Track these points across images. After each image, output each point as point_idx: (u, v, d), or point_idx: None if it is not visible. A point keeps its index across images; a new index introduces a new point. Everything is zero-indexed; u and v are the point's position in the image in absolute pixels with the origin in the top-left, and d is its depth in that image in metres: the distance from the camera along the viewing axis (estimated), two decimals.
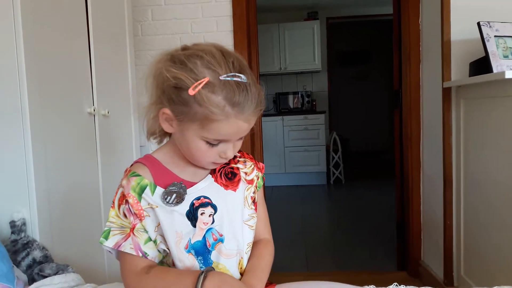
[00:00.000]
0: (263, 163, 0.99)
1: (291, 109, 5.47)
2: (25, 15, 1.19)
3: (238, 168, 0.90)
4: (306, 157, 5.13)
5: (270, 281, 0.94)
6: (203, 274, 0.75)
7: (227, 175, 0.88)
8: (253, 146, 2.34)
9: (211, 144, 0.77)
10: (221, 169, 0.88)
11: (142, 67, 2.15)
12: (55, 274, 1.18)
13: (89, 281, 1.22)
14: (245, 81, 0.73)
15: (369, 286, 0.87)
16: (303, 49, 5.37)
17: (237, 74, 0.73)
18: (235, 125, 0.74)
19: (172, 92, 0.75)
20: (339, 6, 5.50)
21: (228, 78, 0.72)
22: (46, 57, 1.32)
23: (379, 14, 5.49)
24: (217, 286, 0.74)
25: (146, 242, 0.80)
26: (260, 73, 2.63)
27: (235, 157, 0.91)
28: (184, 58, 0.75)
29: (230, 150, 0.79)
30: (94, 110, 1.57)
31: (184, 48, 0.78)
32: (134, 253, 0.79)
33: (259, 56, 2.56)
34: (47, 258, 1.23)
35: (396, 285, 0.89)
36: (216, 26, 2.19)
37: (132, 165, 0.86)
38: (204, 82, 0.71)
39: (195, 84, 0.71)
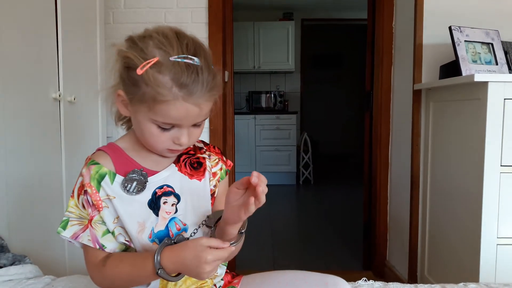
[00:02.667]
0: (234, 160, 0.96)
1: (264, 108, 5.47)
2: None
3: (204, 158, 0.88)
4: (277, 156, 5.15)
5: (237, 273, 0.92)
6: (161, 273, 0.72)
7: (193, 165, 0.86)
8: (225, 142, 2.31)
9: (162, 128, 0.74)
10: (186, 159, 0.86)
11: (110, 56, 2.08)
12: (11, 264, 1.12)
13: (48, 273, 1.17)
14: (197, 63, 0.71)
15: (334, 276, 0.86)
16: (277, 49, 5.39)
17: (189, 56, 0.70)
18: (184, 108, 0.71)
19: (124, 72, 0.74)
20: (314, 8, 5.54)
21: (179, 60, 0.70)
22: (10, 39, 1.25)
23: (354, 18, 5.57)
24: (176, 270, 0.73)
25: (104, 234, 0.78)
26: (234, 70, 2.60)
27: (201, 148, 0.90)
28: (137, 39, 0.74)
29: (184, 136, 0.76)
30: (59, 96, 1.50)
31: (145, 31, 0.76)
32: (92, 245, 0.78)
33: (233, 53, 2.54)
34: (2, 248, 1.16)
35: (365, 280, 0.90)
36: (190, 17, 2.15)
37: (94, 153, 0.83)
38: (152, 62, 0.69)
39: (144, 64, 0.69)
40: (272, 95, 5.48)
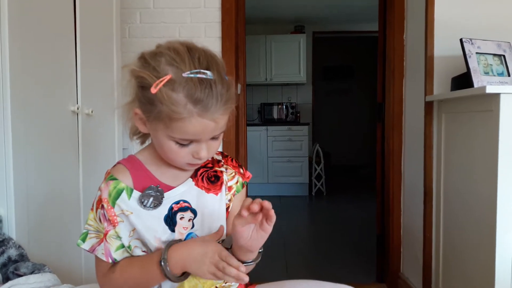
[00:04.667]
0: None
1: (276, 119, 5.50)
2: (12, 12, 1.18)
3: (222, 172, 0.88)
4: (289, 168, 5.15)
5: (250, 282, 0.93)
6: (163, 261, 0.74)
7: (210, 179, 0.86)
8: (237, 154, 2.34)
9: (181, 144, 0.75)
10: (204, 173, 0.86)
11: (126, 71, 2.13)
12: (31, 273, 1.14)
13: (65, 282, 1.19)
14: (210, 77, 0.71)
15: (346, 285, 0.87)
16: (288, 62, 5.43)
17: (201, 70, 0.70)
18: (200, 124, 0.71)
19: (139, 91, 0.74)
20: (325, 21, 5.59)
21: (192, 75, 0.70)
22: (31, 53, 1.30)
23: (364, 30, 5.60)
24: (181, 266, 0.75)
25: (117, 249, 0.80)
26: (246, 83, 2.64)
27: (219, 161, 0.90)
28: (149, 56, 0.74)
29: (203, 151, 0.76)
30: (78, 109, 1.55)
31: (157, 47, 0.77)
32: (105, 259, 0.80)
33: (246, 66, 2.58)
34: (22, 257, 1.19)
35: None
36: (204, 32, 2.20)
37: (114, 166, 0.85)
38: (165, 80, 0.70)
39: (157, 82, 0.70)
40: (284, 106, 5.51)
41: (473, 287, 1.58)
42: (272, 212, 0.70)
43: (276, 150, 5.17)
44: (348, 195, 5.33)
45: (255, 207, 0.69)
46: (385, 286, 2.38)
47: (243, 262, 0.75)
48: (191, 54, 0.73)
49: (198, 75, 0.70)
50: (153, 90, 0.69)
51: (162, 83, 0.69)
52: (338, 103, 7.29)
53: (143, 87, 0.73)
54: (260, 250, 0.79)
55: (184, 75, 0.70)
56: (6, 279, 1.13)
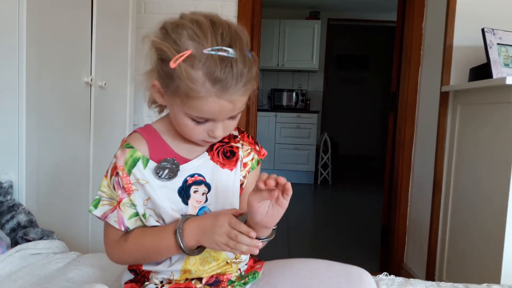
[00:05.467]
0: None
1: (285, 106, 5.46)
2: None
3: (238, 148, 0.87)
4: (295, 155, 5.13)
5: (259, 259, 0.93)
6: (178, 232, 0.74)
7: (226, 154, 0.85)
8: None
9: (197, 121, 0.73)
10: (219, 147, 0.85)
11: (142, 45, 2.11)
12: (40, 239, 1.16)
13: (72, 249, 1.20)
14: (232, 55, 0.68)
15: (358, 267, 0.86)
16: (301, 48, 5.36)
17: (223, 48, 0.67)
18: (217, 104, 0.69)
19: (158, 63, 0.72)
20: (341, 8, 5.50)
21: (213, 52, 0.67)
22: (47, 25, 1.29)
23: (381, 20, 5.51)
24: (195, 239, 0.75)
25: (130, 218, 0.79)
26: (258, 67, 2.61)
27: (235, 137, 0.88)
28: (170, 28, 0.71)
29: (218, 130, 0.75)
30: (91, 80, 1.54)
31: (180, 17, 0.74)
32: (117, 227, 0.79)
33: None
34: (32, 223, 1.20)
35: (386, 275, 0.90)
36: (220, 10, 2.17)
37: (130, 134, 0.84)
38: (185, 55, 0.67)
39: (176, 57, 0.67)
40: (294, 93, 5.46)
41: (478, 277, 1.57)
42: (289, 185, 0.68)
43: (284, 137, 5.15)
44: (353, 185, 5.31)
45: (272, 182, 0.67)
46: (386, 273, 2.38)
47: (258, 239, 0.74)
48: (215, 29, 0.69)
49: (220, 53, 0.67)
50: (172, 64, 0.67)
51: (181, 58, 0.67)
52: (349, 92, 7.21)
53: (162, 59, 0.70)
54: (274, 228, 0.78)
55: (205, 51, 0.67)
56: (15, 244, 1.14)
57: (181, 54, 0.67)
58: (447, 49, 1.88)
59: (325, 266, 0.86)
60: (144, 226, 0.81)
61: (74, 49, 1.47)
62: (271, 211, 0.72)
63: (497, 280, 1.42)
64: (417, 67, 2.18)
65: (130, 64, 1.96)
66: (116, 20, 1.84)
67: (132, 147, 0.79)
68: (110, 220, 0.79)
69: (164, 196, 0.79)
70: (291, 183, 0.69)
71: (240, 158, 0.86)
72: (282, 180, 0.68)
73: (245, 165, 0.87)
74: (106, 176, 0.81)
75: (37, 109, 1.25)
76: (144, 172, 0.78)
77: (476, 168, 1.64)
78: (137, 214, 0.79)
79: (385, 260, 2.46)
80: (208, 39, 0.68)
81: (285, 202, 0.71)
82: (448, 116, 1.90)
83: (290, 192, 0.69)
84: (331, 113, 6.48)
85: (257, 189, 0.70)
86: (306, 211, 4.08)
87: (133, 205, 0.79)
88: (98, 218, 0.81)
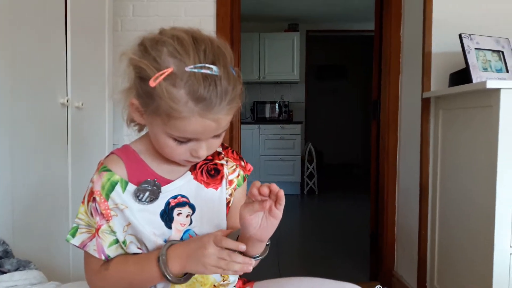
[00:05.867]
0: None
1: (268, 118, 5.47)
2: (0, 1, 1.13)
3: (222, 165, 0.83)
4: (281, 166, 5.13)
5: (248, 279, 0.89)
6: (161, 259, 0.70)
7: (210, 172, 0.81)
8: None
9: (179, 141, 0.70)
10: (203, 165, 0.81)
11: (119, 63, 2.08)
12: (15, 270, 1.09)
13: (52, 279, 1.14)
14: (216, 73, 0.65)
15: (352, 284, 0.83)
16: (282, 60, 5.40)
17: (206, 65, 0.64)
18: (200, 124, 0.66)
19: (136, 81, 0.68)
20: (319, 20, 5.57)
21: (195, 70, 0.64)
22: (19, 44, 1.25)
23: (358, 29, 5.59)
24: (180, 265, 0.71)
25: (110, 245, 0.75)
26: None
27: (219, 153, 0.85)
28: (149, 44, 0.67)
29: (202, 149, 0.71)
30: (67, 101, 1.50)
31: (160, 32, 0.71)
32: (97, 256, 0.75)
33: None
34: (7, 253, 1.14)
35: (380, 287, 0.87)
36: (199, 25, 2.13)
37: (107, 156, 0.80)
38: (166, 73, 0.63)
39: (157, 75, 0.64)
40: (277, 105, 5.48)
41: (469, 285, 1.56)
42: (282, 193, 0.66)
43: (268, 149, 5.14)
44: (340, 194, 5.31)
45: (265, 190, 0.65)
46: (379, 284, 2.36)
47: (251, 257, 0.71)
48: (197, 45, 0.66)
49: (203, 70, 0.64)
50: (152, 83, 0.64)
51: (162, 76, 0.64)
52: (331, 102, 7.28)
53: (141, 78, 0.67)
54: (268, 243, 0.75)
55: (187, 69, 0.64)
56: None
57: (161, 72, 0.64)
58: (426, 55, 1.90)
59: (318, 285, 0.83)
60: (126, 253, 0.76)
61: (48, 69, 1.42)
62: (265, 223, 0.69)
63: (488, 285, 1.41)
64: (397, 74, 2.19)
65: (108, 82, 1.91)
66: (91, 38, 1.80)
67: (109, 170, 0.75)
68: (89, 249, 0.75)
69: (145, 221, 0.75)
70: None
71: (225, 176, 0.83)
72: (275, 188, 0.65)
73: (230, 182, 0.84)
74: (83, 202, 0.77)
75: (10, 132, 1.19)
76: (123, 196, 0.74)
77: (461, 172, 1.64)
78: (117, 241, 0.75)
79: (375, 269, 2.43)
80: (190, 56, 0.65)
81: (278, 213, 0.68)
82: (431, 121, 1.91)
83: (283, 201, 0.67)
84: (314, 123, 6.52)
85: (248, 201, 0.67)
86: (294, 222, 4.04)
87: (113, 231, 0.75)
88: (77, 247, 0.77)
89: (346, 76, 7.32)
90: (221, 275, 0.81)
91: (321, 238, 3.42)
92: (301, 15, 5.33)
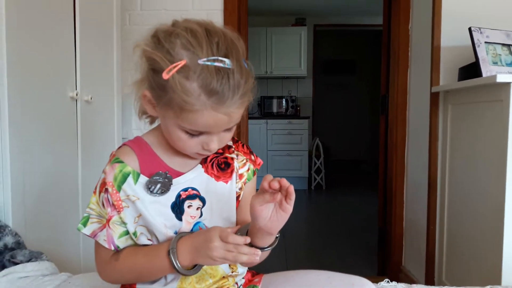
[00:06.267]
0: None
1: (275, 113, 5.46)
2: None
3: (232, 159, 0.83)
4: (288, 161, 5.12)
5: (257, 272, 0.90)
6: (172, 252, 0.71)
7: (220, 165, 0.82)
8: None
9: (191, 134, 0.70)
10: (214, 159, 0.81)
11: (128, 57, 2.08)
12: (28, 261, 1.11)
13: (63, 270, 1.16)
14: (228, 66, 0.65)
15: (360, 277, 0.83)
16: (289, 55, 5.37)
17: (219, 58, 0.64)
18: (212, 117, 0.66)
19: (150, 73, 0.68)
20: (327, 14, 5.53)
21: (208, 63, 0.64)
22: (29, 38, 1.26)
23: (367, 24, 5.55)
24: (189, 258, 0.71)
25: (120, 236, 0.76)
26: None
27: (230, 147, 0.85)
28: (163, 36, 0.67)
29: (213, 143, 0.72)
30: (76, 95, 1.51)
31: (173, 24, 0.71)
32: (107, 246, 0.75)
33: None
34: (19, 245, 1.16)
35: (388, 281, 0.87)
36: (206, 19, 2.15)
37: (119, 147, 0.80)
38: (179, 66, 0.63)
39: (170, 67, 0.64)
40: (284, 100, 5.46)
41: (478, 279, 1.55)
42: (292, 188, 0.67)
43: (275, 144, 5.14)
44: (347, 189, 5.30)
45: (275, 184, 0.66)
46: (387, 278, 2.35)
47: (259, 248, 0.71)
48: (210, 38, 0.66)
49: (216, 63, 0.64)
50: (165, 75, 0.64)
51: (175, 69, 0.63)
52: (338, 97, 7.24)
53: (154, 70, 0.67)
54: (277, 235, 0.76)
55: (200, 62, 0.64)
56: (2, 267, 1.10)
57: (174, 64, 0.64)
58: (435, 49, 1.88)
59: (325, 278, 0.83)
60: (136, 244, 0.77)
61: (58, 64, 1.44)
62: (275, 216, 0.70)
63: (497, 280, 1.41)
64: (405, 68, 2.18)
65: (117, 76, 1.92)
66: (100, 33, 1.81)
67: (121, 162, 0.76)
68: (99, 239, 0.76)
69: (156, 212, 0.75)
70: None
71: (235, 170, 0.83)
72: (286, 183, 0.66)
73: (241, 176, 0.84)
74: (94, 192, 0.78)
75: (20, 126, 1.21)
76: (135, 188, 0.75)
77: (470, 167, 1.63)
78: (127, 232, 0.76)
79: (383, 264, 2.43)
80: (203, 49, 0.65)
81: (288, 207, 0.68)
82: (440, 116, 1.89)
83: (293, 196, 0.67)
84: (321, 118, 6.49)
85: (260, 192, 0.68)
86: (302, 217, 4.05)
87: (123, 223, 0.75)
88: (88, 236, 0.77)
89: (354, 71, 7.28)
90: (230, 265, 0.81)
91: (328, 232, 3.42)
92: (308, 9, 5.30)
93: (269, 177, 0.67)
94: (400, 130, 2.22)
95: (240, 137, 2.38)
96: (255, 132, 5.08)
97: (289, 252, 2.89)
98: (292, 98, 5.48)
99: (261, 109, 5.51)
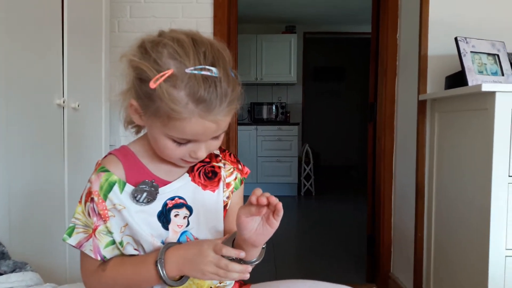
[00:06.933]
0: None
1: (265, 119, 5.47)
2: None
3: (220, 168, 0.83)
4: (278, 167, 5.13)
5: (244, 282, 0.90)
6: (159, 263, 0.71)
7: (207, 174, 0.82)
8: None
9: (178, 143, 0.70)
10: (201, 168, 0.82)
11: (117, 64, 2.08)
12: (12, 272, 1.09)
13: (48, 281, 1.14)
14: (215, 75, 0.65)
15: (343, 285, 0.84)
16: (279, 61, 5.41)
17: (206, 67, 0.65)
18: (200, 125, 0.67)
19: (137, 83, 0.68)
20: (317, 22, 5.58)
21: (196, 72, 0.64)
22: (16, 45, 1.24)
23: (356, 32, 5.61)
24: (177, 269, 0.71)
25: (106, 246, 0.75)
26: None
27: (217, 156, 0.85)
28: (150, 46, 0.68)
29: (201, 151, 0.72)
30: (63, 102, 1.49)
31: (159, 34, 0.72)
32: (93, 256, 0.75)
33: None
34: (3, 255, 1.14)
35: None
36: (196, 27, 2.15)
37: (105, 156, 0.80)
38: (166, 75, 0.64)
39: (157, 77, 0.64)
40: (274, 106, 5.49)
41: (465, 286, 1.56)
42: (280, 205, 0.67)
43: (265, 150, 5.15)
44: (337, 195, 5.32)
45: (263, 200, 0.66)
46: (375, 286, 2.36)
47: (246, 263, 0.71)
48: (197, 47, 0.67)
49: (203, 72, 0.65)
50: (152, 84, 0.64)
51: (162, 78, 0.64)
52: (328, 104, 7.29)
53: (141, 79, 0.67)
54: (264, 246, 0.75)
55: (187, 71, 0.65)
56: None
57: (162, 73, 0.64)
58: (422, 58, 1.91)
59: (312, 287, 0.83)
60: (123, 254, 0.77)
61: (45, 70, 1.42)
62: (261, 229, 0.69)
63: (484, 286, 1.42)
64: (393, 77, 2.20)
65: (105, 83, 1.91)
66: (88, 39, 1.80)
67: (107, 171, 0.76)
68: (85, 249, 0.75)
69: (142, 222, 0.75)
70: (275, 195, 0.67)
71: (222, 178, 0.83)
72: (274, 200, 0.66)
73: (228, 185, 0.84)
74: (80, 202, 0.77)
75: (5, 133, 1.19)
76: (121, 197, 0.75)
77: (456, 174, 1.65)
78: (113, 242, 0.75)
79: (372, 270, 2.44)
80: (190, 58, 0.66)
81: (275, 222, 0.69)
82: (427, 124, 1.91)
83: (281, 212, 0.67)
84: (311, 125, 6.53)
85: (248, 204, 0.68)
86: (291, 223, 4.05)
87: (110, 232, 0.75)
88: (73, 246, 0.77)
89: (343, 78, 7.35)
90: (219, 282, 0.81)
91: (317, 239, 3.43)
92: (298, 17, 5.35)
93: (258, 191, 0.67)
94: (388, 137, 2.24)
95: (230, 143, 2.37)
96: (245, 138, 5.09)
97: (278, 259, 2.89)
98: (282, 105, 5.51)
99: (251, 115, 5.52)
